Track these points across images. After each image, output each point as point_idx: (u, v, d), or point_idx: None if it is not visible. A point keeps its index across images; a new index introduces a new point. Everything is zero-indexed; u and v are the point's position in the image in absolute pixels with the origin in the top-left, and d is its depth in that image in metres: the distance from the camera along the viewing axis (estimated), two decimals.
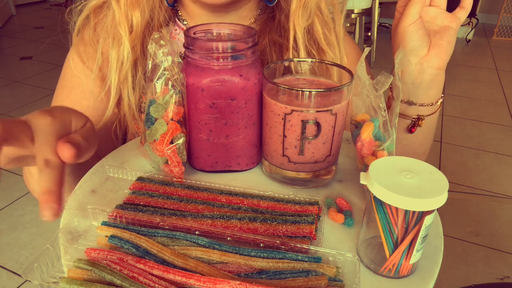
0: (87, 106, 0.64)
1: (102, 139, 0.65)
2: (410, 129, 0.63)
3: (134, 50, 0.60)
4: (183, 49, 0.50)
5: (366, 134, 0.47)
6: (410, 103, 0.61)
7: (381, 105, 0.45)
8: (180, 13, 0.67)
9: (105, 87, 0.62)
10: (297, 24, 0.60)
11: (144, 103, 0.58)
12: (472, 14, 3.85)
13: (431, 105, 0.61)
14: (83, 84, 0.64)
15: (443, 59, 0.58)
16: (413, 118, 0.62)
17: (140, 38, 0.61)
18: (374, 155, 0.47)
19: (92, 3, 0.62)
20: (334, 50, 0.64)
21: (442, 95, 0.63)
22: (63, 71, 0.66)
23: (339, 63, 0.65)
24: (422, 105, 0.61)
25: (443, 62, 0.59)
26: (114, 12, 0.59)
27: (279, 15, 0.64)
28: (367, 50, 0.47)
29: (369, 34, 3.41)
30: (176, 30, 0.67)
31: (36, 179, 0.56)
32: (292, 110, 0.45)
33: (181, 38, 0.66)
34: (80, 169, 0.54)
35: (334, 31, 0.64)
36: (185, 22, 0.66)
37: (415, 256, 0.37)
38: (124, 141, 0.67)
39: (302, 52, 0.61)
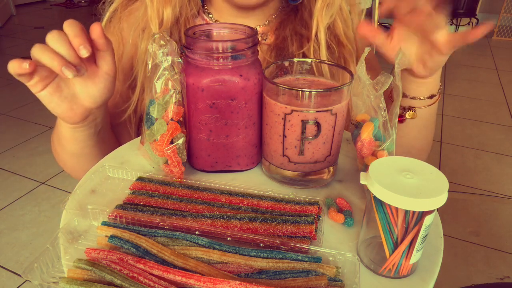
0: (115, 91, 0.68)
1: (119, 124, 0.69)
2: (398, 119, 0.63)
3: None
4: None
5: (366, 134, 0.47)
6: (402, 94, 0.61)
7: (381, 105, 0.45)
8: (206, 7, 0.70)
9: (132, 75, 0.66)
10: (320, 21, 0.63)
11: None
12: (472, 14, 3.85)
13: (423, 99, 0.61)
14: None
15: (426, 76, 0.57)
16: (404, 109, 0.62)
17: (168, 32, 0.63)
18: (374, 155, 0.47)
19: None
20: (352, 44, 0.67)
21: (439, 90, 0.62)
22: None
23: (357, 56, 0.67)
24: (414, 98, 0.61)
25: (426, 77, 0.58)
26: (146, 6, 0.63)
27: (303, 10, 0.67)
28: (367, 50, 0.47)
29: None
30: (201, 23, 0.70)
31: (67, 149, 0.61)
32: (292, 110, 0.45)
33: None
34: (102, 142, 0.61)
35: (352, 28, 0.67)
36: (210, 16, 0.69)
37: (415, 256, 0.37)
38: (138, 127, 0.70)
39: (323, 47, 0.64)
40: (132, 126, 0.70)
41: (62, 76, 0.45)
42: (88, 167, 0.53)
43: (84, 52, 0.45)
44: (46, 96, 0.49)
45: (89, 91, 0.51)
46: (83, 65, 0.47)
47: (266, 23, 0.70)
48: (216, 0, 0.68)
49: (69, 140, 0.58)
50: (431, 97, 0.61)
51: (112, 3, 0.67)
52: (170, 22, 0.63)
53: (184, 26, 0.66)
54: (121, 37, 0.67)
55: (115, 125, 0.69)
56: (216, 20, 0.69)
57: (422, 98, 0.61)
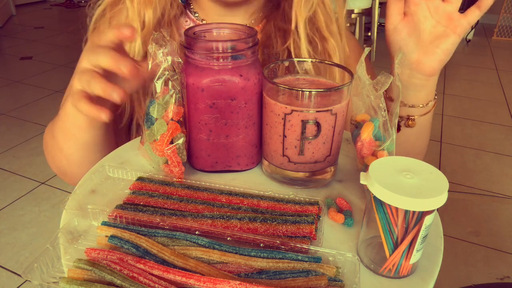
0: None
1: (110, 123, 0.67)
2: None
3: (145, 44, 0.63)
4: None
5: (366, 134, 0.47)
6: (401, 103, 0.61)
7: (381, 105, 0.45)
8: (192, 6, 0.70)
9: None
10: (299, 14, 0.62)
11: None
12: None
13: (422, 106, 0.61)
14: None
15: (434, 68, 0.57)
16: (402, 118, 0.62)
17: (151, 34, 0.63)
18: (374, 155, 0.47)
19: None
20: (336, 38, 0.66)
21: (435, 97, 0.62)
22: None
23: (341, 52, 0.66)
24: (413, 106, 0.61)
25: (435, 70, 0.57)
26: (127, 9, 0.62)
27: (283, 3, 0.67)
28: (367, 50, 0.47)
29: (369, 34, 3.41)
30: (187, 21, 0.69)
31: (80, 139, 0.59)
32: (292, 110, 0.45)
33: None
34: (110, 132, 0.61)
35: (336, 22, 0.66)
36: (196, 15, 0.69)
37: (415, 256, 0.37)
38: (129, 126, 0.69)
39: (303, 40, 0.63)
40: (123, 128, 0.69)
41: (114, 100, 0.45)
42: (94, 160, 0.52)
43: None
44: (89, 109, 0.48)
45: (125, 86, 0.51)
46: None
47: (252, 21, 0.69)
48: (202, 0, 0.67)
49: (85, 129, 0.56)
50: (428, 104, 0.61)
51: (100, 5, 0.67)
52: (152, 24, 0.63)
53: (168, 27, 0.66)
54: None
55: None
56: (203, 19, 0.69)
57: (420, 106, 0.61)
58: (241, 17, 0.68)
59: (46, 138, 0.65)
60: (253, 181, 0.52)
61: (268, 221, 0.43)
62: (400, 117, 0.62)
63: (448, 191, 0.35)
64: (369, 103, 0.47)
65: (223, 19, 0.67)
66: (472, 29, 4.03)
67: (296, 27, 0.63)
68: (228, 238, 0.41)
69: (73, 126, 0.57)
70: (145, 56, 0.64)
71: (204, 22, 0.69)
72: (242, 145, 0.52)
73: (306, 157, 0.48)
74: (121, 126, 0.68)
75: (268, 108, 0.48)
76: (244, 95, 0.48)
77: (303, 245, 0.39)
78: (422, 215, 0.35)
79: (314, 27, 0.65)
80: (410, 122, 0.62)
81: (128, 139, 0.71)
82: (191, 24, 0.69)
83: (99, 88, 0.45)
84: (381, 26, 4.22)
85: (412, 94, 0.60)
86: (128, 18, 0.63)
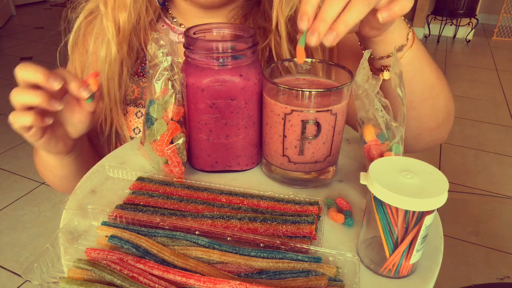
0: None
1: (91, 133, 0.68)
2: None
3: (122, 51, 0.63)
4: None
5: (369, 135, 0.47)
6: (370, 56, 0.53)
7: (376, 107, 0.45)
8: (170, 11, 0.69)
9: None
10: (280, 13, 0.61)
11: (129, 96, 0.66)
12: (472, 14, 3.85)
13: (388, 57, 0.52)
14: None
15: (376, 33, 0.50)
16: (375, 70, 0.55)
17: (127, 39, 0.63)
18: (381, 156, 0.46)
19: (87, 6, 0.66)
20: None
21: (408, 36, 0.52)
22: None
23: (325, 48, 0.65)
24: (382, 58, 0.53)
25: (377, 34, 0.50)
26: (102, 15, 0.62)
27: (264, 1, 0.66)
28: (367, 53, 0.46)
29: None
30: (163, 26, 0.69)
31: (56, 174, 0.62)
32: (292, 110, 0.45)
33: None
34: (87, 158, 0.63)
35: None
36: (175, 20, 0.69)
37: (415, 256, 0.37)
38: (109, 135, 0.68)
39: (284, 40, 0.62)
40: (104, 137, 0.68)
41: (51, 109, 0.46)
42: (77, 183, 0.53)
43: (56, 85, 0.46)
44: (45, 141, 0.51)
45: (76, 127, 0.54)
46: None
47: (232, 21, 0.68)
48: (179, 3, 0.66)
49: (57, 167, 0.60)
50: (400, 49, 0.52)
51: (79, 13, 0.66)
52: (127, 29, 0.62)
53: (144, 33, 0.65)
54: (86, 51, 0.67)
55: (96, 144, 0.70)
56: (181, 24, 0.68)
57: (390, 54, 0.53)
58: (220, 19, 0.67)
59: (35, 161, 0.66)
60: (253, 181, 0.52)
61: (268, 221, 0.43)
62: (375, 69, 0.55)
63: (448, 191, 0.35)
64: (367, 106, 0.47)
65: (202, 21, 0.63)
66: (472, 29, 4.03)
67: (277, 26, 0.62)
68: (228, 238, 0.41)
69: (49, 164, 0.60)
70: (121, 62, 0.64)
71: (182, 26, 0.68)
72: (242, 145, 0.52)
73: (306, 157, 0.48)
74: (105, 138, 0.67)
75: (268, 108, 0.48)
76: (244, 95, 0.48)
77: (303, 245, 0.39)
78: (422, 215, 0.35)
79: (296, 25, 0.62)
80: (387, 73, 0.54)
81: (109, 150, 0.69)
82: (167, 30, 0.68)
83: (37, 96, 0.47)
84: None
85: (373, 47, 0.53)
86: (103, 24, 0.62)
